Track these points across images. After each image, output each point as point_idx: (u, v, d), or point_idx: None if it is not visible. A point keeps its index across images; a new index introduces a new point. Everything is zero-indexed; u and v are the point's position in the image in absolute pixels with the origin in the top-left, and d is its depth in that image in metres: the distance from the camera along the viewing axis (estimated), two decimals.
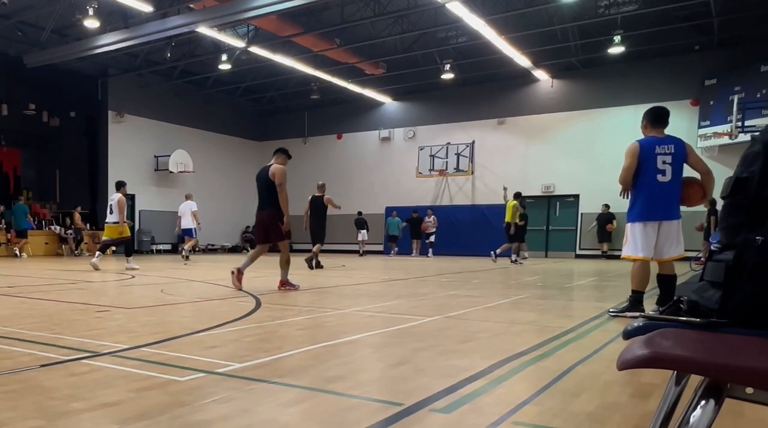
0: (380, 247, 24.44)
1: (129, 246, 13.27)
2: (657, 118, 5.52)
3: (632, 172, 5.35)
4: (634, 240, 5.41)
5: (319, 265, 12.90)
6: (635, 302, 5.46)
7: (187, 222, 16.13)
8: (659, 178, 5.27)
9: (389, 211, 24.07)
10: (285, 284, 7.88)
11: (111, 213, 12.82)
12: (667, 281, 5.47)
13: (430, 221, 22.40)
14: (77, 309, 5.84)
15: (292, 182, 32.72)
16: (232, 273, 7.78)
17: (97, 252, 12.62)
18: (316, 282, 9.89)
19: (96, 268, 11.88)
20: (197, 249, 24.08)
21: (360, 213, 23.65)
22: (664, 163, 5.29)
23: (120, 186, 12.99)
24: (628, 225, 5.50)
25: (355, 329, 4.84)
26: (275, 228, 7.71)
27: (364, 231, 22.90)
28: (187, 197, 16.89)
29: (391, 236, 23.27)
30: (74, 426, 2.25)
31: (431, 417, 2.39)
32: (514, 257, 16.27)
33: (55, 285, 8.83)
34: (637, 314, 5.35)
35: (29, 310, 5.70)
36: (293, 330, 4.61)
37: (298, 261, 16.25)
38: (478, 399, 2.66)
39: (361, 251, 22.69)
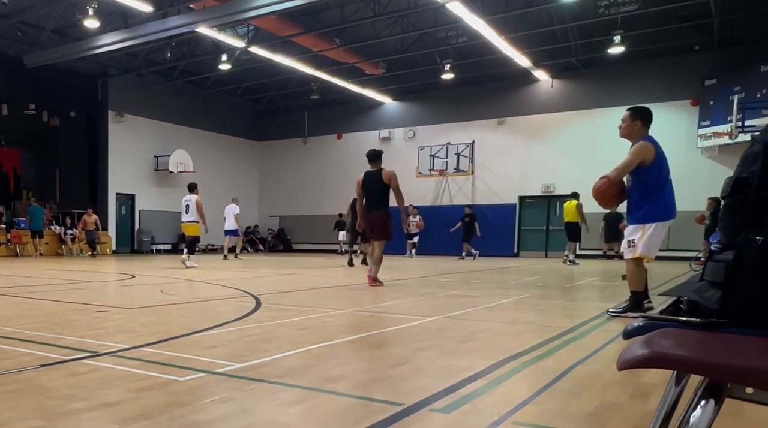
0: None
1: (195, 243, 14.21)
2: (650, 120, 5.39)
3: (629, 172, 5.22)
4: (651, 241, 5.18)
5: (365, 261, 13.71)
6: (638, 302, 5.38)
7: (230, 224, 17.44)
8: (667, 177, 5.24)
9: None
10: (375, 281, 8.54)
11: (187, 213, 13.58)
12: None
13: (415, 221, 21.47)
14: (77, 309, 5.84)
15: (292, 182, 32.74)
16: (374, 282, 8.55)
17: (188, 256, 13.40)
18: (316, 282, 9.90)
19: (190, 266, 12.77)
20: (198, 249, 24.12)
21: (341, 214, 23.88)
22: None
23: (194, 187, 13.74)
24: (652, 225, 5.19)
25: (355, 329, 4.84)
26: (383, 228, 8.51)
27: (344, 231, 23.39)
28: (233, 200, 18.18)
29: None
30: (74, 426, 2.25)
31: (431, 417, 2.39)
32: (572, 257, 16.52)
33: (55, 285, 8.84)
34: (638, 314, 5.30)
35: (29, 310, 5.70)
36: (293, 330, 4.61)
37: (312, 261, 16.23)
38: (478, 399, 2.66)
39: (341, 250, 23.29)
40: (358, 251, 21.55)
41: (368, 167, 8.84)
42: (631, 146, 5.30)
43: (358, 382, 2.98)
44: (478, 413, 2.45)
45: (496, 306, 6.35)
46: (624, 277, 5.99)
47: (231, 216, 17.43)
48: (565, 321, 5.14)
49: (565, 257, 16.76)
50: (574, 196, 16.88)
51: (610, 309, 5.59)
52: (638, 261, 5.34)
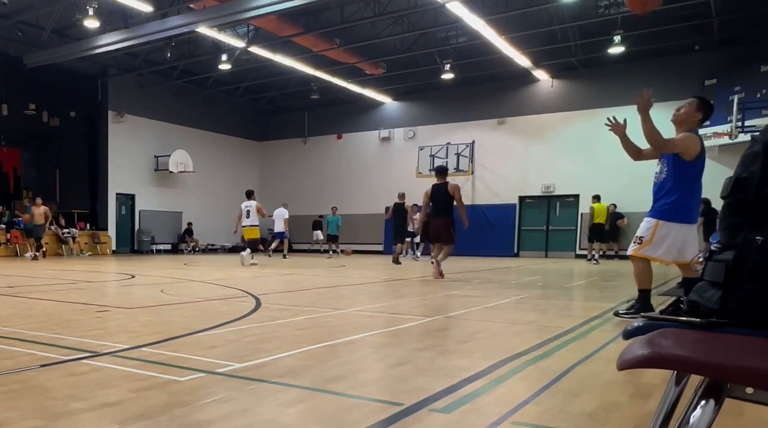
0: (380, 247, 24.38)
1: (256, 245, 15.48)
2: (708, 118, 4.97)
3: (662, 148, 4.81)
4: (669, 242, 4.82)
5: (398, 261, 15.40)
6: (646, 302, 5.08)
7: (279, 226, 18.77)
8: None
9: (386, 210, 24.03)
10: (441, 274, 9.99)
11: (248, 217, 14.81)
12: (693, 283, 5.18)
13: (416, 218, 20.74)
14: (77, 309, 5.84)
15: (292, 183, 32.73)
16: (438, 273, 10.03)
17: (251, 253, 14.53)
18: (316, 282, 9.90)
19: (253, 264, 14.01)
20: (203, 247, 24.16)
21: (321, 216, 24.11)
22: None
23: (251, 194, 15.25)
24: (667, 224, 4.84)
25: (355, 329, 4.84)
26: (448, 233, 9.90)
27: (319, 231, 24.03)
28: (283, 205, 19.61)
29: (330, 236, 21.83)
30: (74, 426, 2.25)
31: (431, 417, 2.39)
32: (597, 256, 17.46)
33: (55, 285, 8.84)
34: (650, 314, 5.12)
35: (29, 310, 5.70)
36: (293, 330, 4.61)
37: (311, 261, 16.25)
38: (478, 399, 2.66)
39: (321, 249, 24.07)
40: (331, 252, 21.44)
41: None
42: (676, 134, 4.87)
43: (358, 382, 2.98)
44: (478, 413, 2.45)
45: (496, 306, 6.35)
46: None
47: (280, 219, 18.67)
48: (565, 321, 5.14)
49: (592, 256, 17.58)
50: (598, 198, 17.84)
51: (620, 311, 5.25)
52: (649, 260, 4.99)
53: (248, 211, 14.81)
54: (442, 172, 10.42)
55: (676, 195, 4.83)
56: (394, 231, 16.42)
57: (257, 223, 14.92)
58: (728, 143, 17.54)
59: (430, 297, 7.37)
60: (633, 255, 5.07)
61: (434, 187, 10.16)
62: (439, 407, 2.51)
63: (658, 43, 18.83)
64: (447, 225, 9.91)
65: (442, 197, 9.95)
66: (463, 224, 10.01)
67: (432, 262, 10.32)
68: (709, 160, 18.47)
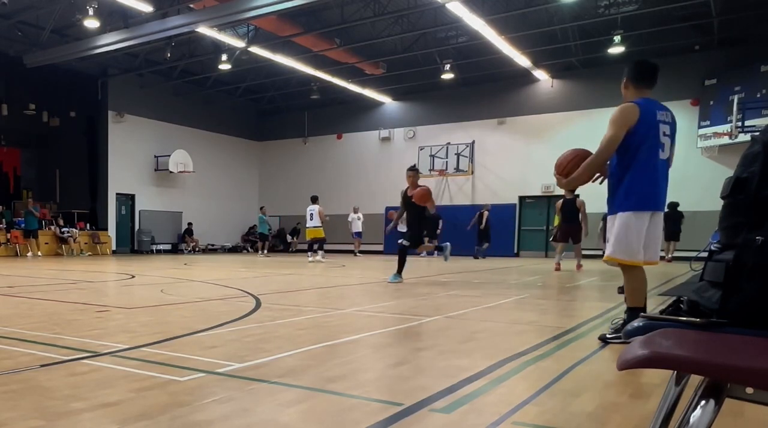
0: (379, 247, 24.36)
1: (322, 243, 17.08)
2: (643, 74, 4.05)
3: (617, 145, 3.92)
4: (628, 238, 3.96)
5: (482, 257, 19.73)
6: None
7: (357, 227, 21.95)
8: (660, 154, 3.94)
9: (388, 210, 24.00)
10: (580, 267, 13.23)
11: (311, 219, 16.83)
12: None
13: (355, 217, 22.38)
14: (77, 309, 5.84)
15: (292, 182, 32.56)
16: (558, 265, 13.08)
17: (310, 253, 16.91)
18: (315, 282, 9.90)
19: (321, 260, 16.12)
20: (198, 248, 24.17)
21: (298, 222, 24.47)
22: (664, 134, 3.94)
23: (316, 199, 17.27)
24: (621, 214, 4.00)
25: (355, 329, 4.84)
26: (577, 235, 13.26)
27: (295, 238, 25.94)
28: (355, 210, 22.37)
29: (260, 234, 21.24)
30: (74, 426, 2.25)
31: (431, 417, 2.39)
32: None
33: (55, 285, 8.84)
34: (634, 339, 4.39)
35: (29, 310, 5.70)
36: (293, 330, 4.61)
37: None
38: (478, 399, 2.66)
39: (293, 249, 25.84)
40: (260, 252, 21.30)
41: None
42: None
43: (358, 382, 2.98)
44: (478, 413, 2.45)
45: (496, 306, 6.35)
46: (620, 290, 5.10)
47: (357, 221, 21.79)
48: (565, 321, 5.14)
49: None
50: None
51: (608, 335, 4.14)
52: (629, 267, 4.07)
53: (311, 214, 16.78)
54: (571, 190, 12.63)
55: (623, 180, 4.04)
56: (477, 234, 19.95)
57: (319, 224, 16.71)
58: (728, 143, 17.54)
59: (430, 297, 7.37)
60: (621, 265, 4.15)
61: (564, 201, 13.28)
62: (439, 407, 2.51)
63: (658, 43, 18.82)
64: (575, 229, 13.17)
65: (570, 210, 13.20)
66: (584, 232, 13.05)
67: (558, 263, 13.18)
68: (709, 160, 18.44)
